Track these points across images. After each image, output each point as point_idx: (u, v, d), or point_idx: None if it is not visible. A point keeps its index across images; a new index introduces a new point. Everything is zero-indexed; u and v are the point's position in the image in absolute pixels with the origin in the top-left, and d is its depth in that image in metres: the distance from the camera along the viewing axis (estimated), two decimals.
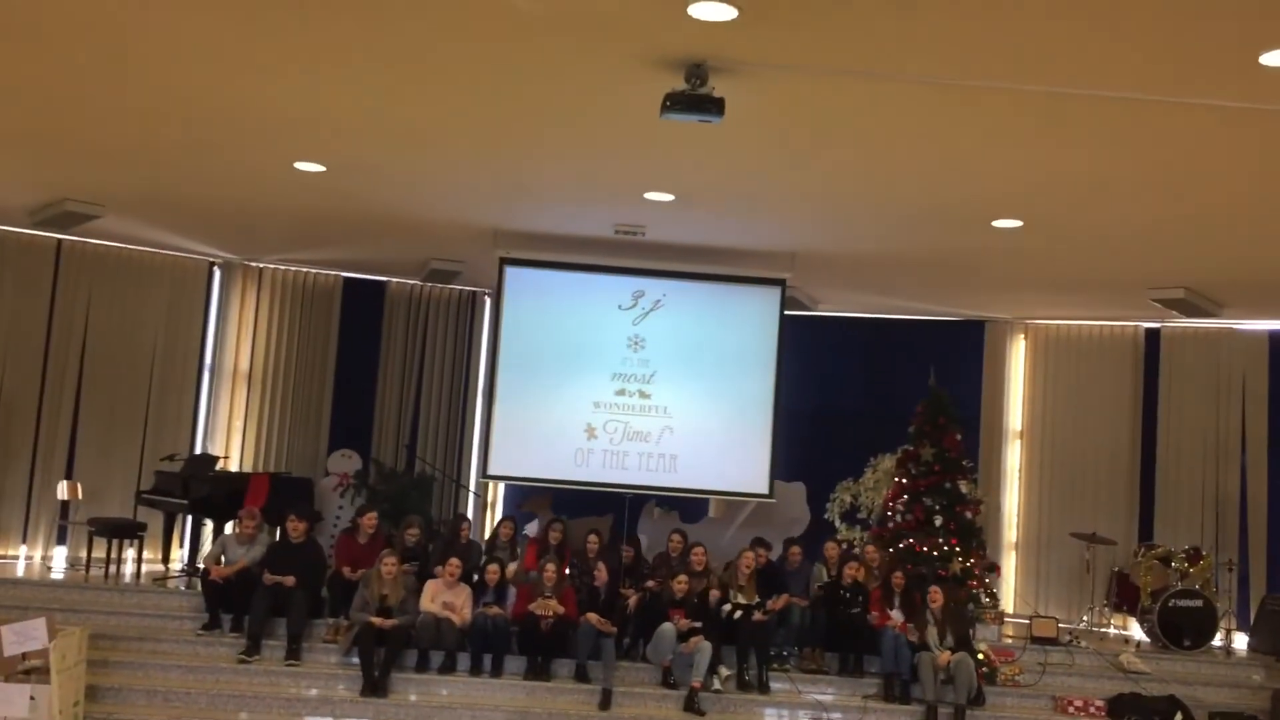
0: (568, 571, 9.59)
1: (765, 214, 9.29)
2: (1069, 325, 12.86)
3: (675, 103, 5.87)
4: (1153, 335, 12.46)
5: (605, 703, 8.68)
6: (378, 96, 6.94)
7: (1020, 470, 13.07)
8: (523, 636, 9.03)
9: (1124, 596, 11.26)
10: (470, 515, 12.17)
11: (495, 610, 9.02)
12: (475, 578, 9.46)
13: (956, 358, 13.00)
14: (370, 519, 9.87)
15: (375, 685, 8.55)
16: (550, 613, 8.92)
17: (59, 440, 11.75)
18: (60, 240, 11.67)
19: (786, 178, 8.17)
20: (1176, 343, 12.28)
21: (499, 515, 12.27)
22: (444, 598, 9.07)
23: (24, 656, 7.48)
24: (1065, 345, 12.91)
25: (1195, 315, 11.30)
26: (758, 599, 9.42)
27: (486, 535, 11.32)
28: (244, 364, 12.76)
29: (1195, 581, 10.63)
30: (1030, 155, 7.19)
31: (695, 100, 5.85)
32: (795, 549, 10.20)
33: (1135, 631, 11.19)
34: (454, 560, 9.21)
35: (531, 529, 11.18)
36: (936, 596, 9.26)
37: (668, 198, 8.82)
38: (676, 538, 10.11)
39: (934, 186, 8.06)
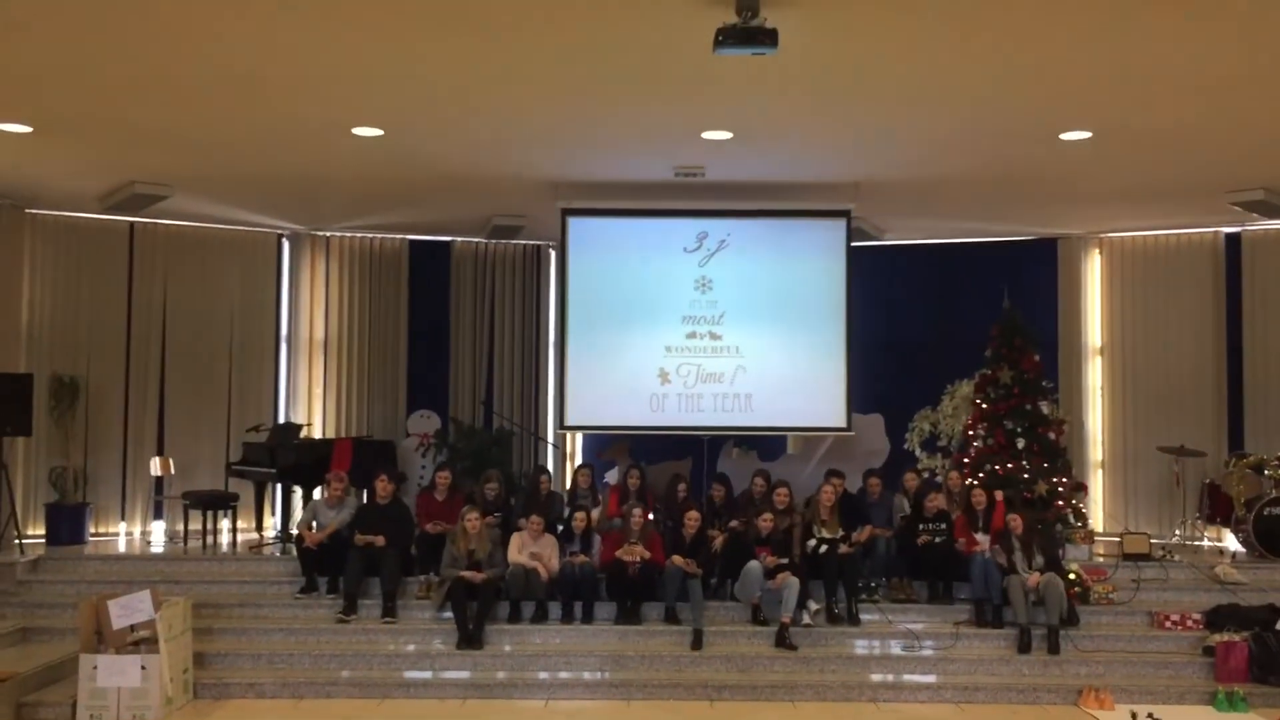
0: (650, 516, 9.65)
1: (825, 145, 9.15)
2: (1145, 236, 12.57)
3: (728, 37, 5.78)
4: (1233, 240, 12.14)
5: (697, 643, 8.76)
6: (430, 56, 6.93)
7: (1102, 388, 12.85)
8: (611, 583, 9.13)
9: (1216, 508, 11.07)
10: (550, 467, 12.30)
11: (582, 558, 9.13)
12: (560, 528, 9.57)
13: (1030, 278, 12.76)
14: (444, 476, 10.00)
15: (470, 638, 8.71)
16: (637, 558, 9.00)
17: (148, 419, 12.06)
18: (132, 224, 11.91)
19: (844, 105, 8.03)
20: (1259, 246, 11.95)
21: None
22: (531, 549, 9.19)
23: (132, 628, 7.73)
24: (1142, 257, 12.62)
25: (1276, 216, 10.99)
26: (841, 532, 9.41)
27: (567, 486, 11.43)
28: (319, 333, 12.96)
29: None
30: (1097, 58, 6.95)
31: (748, 33, 5.76)
32: (875, 480, 10.15)
33: (1230, 543, 11.04)
34: (535, 518, 9.30)
35: (611, 477, 11.27)
36: (1016, 522, 9.17)
37: (725, 135, 8.73)
38: (759, 480, 10.10)
39: (996, 102, 7.86)
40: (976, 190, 10.61)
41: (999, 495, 9.77)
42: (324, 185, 10.59)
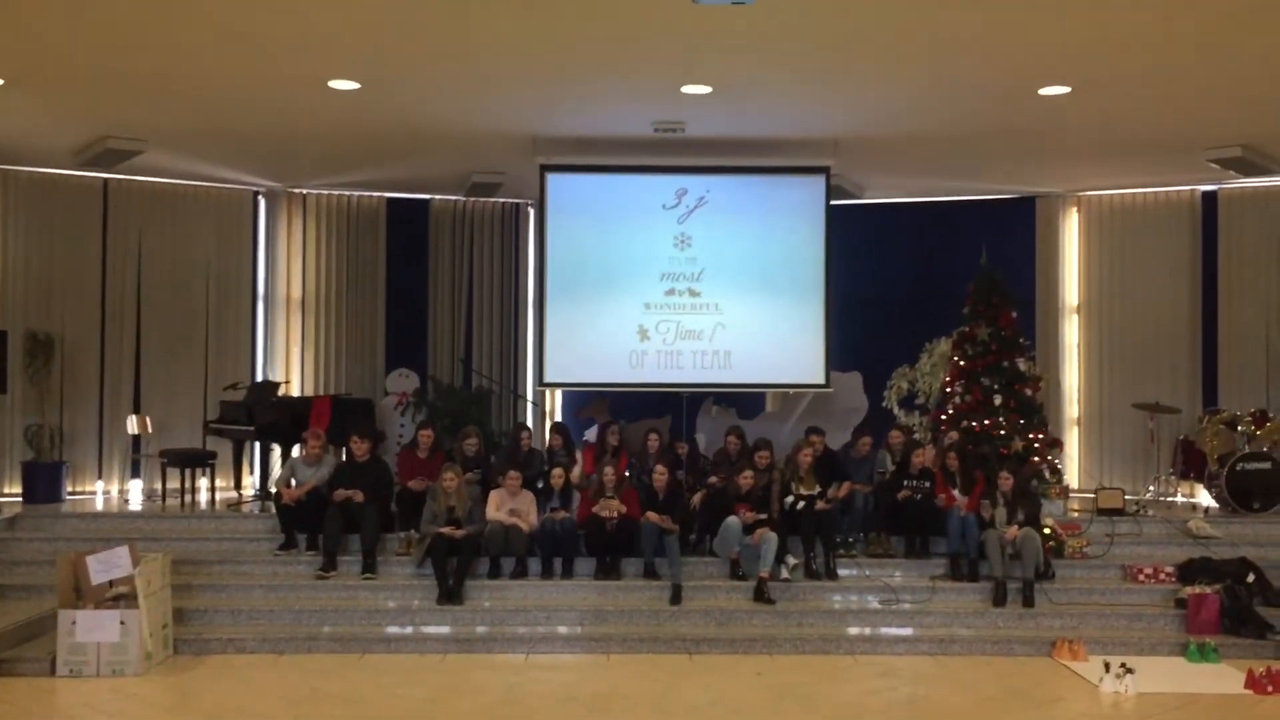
0: (626, 473, 9.68)
1: (804, 100, 9.13)
2: (1122, 195, 12.61)
3: None
4: (1209, 198, 12.19)
5: (676, 597, 8.81)
6: (407, 7, 6.86)
7: (1079, 345, 12.94)
8: (589, 538, 9.17)
9: (1190, 464, 11.20)
10: (530, 424, 12.30)
11: (561, 514, 9.16)
12: (540, 484, 9.59)
13: (1008, 236, 12.81)
14: (426, 434, 9.99)
15: (450, 594, 8.74)
16: (613, 513, 9.04)
17: (124, 377, 12.00)
18: (106, 180, 11.79)
19: (823, 59, 8.00)
20: (1235, 203, 12.02)
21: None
22: (510, 505, 9.21)
23: (111, 584, 7.72)
24: (1120, 215, 12.67)
25: (1253, 174, 11.05)
26: (819, 489, 9.47)
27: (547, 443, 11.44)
28: (296, 291, 12.89)
29: (1263, 443, 10.56)
30: (1076, 13, 6.95)
31: None
32: (865, 440, 10.12)
33: (1203, 498, 11.15)
34: (513, 473, 9.32)
35: (591, 435, 11.28)
36: (1007, 480, 9.24)
37: (705, 90, 8.69)
38: (732, 438, 10.15)
39: (975, 57, 7.85)
40: (955, 147, 10.61)
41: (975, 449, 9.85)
42: (300, 140, 10.49)
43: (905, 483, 9.53)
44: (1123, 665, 7.42)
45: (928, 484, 9.53)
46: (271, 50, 7.74)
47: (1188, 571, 9.01)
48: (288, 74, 8.30)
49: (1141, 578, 9.13)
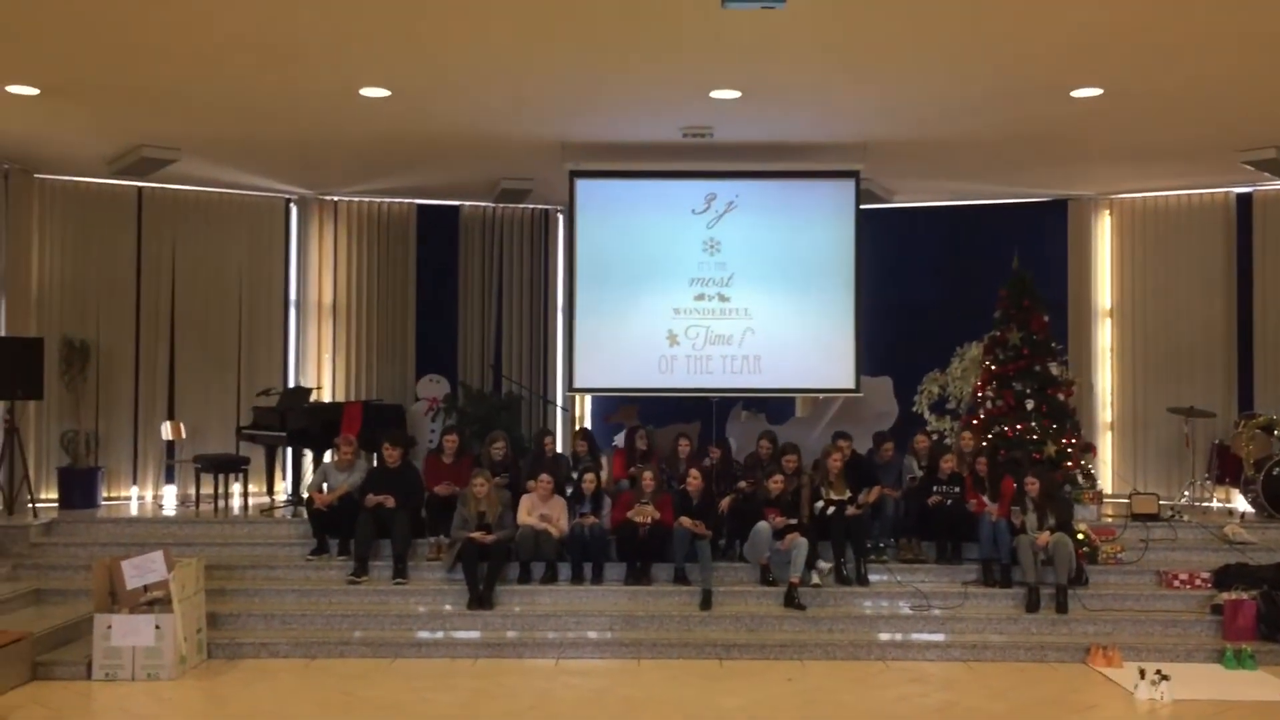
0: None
1: (833, 104, 9.10)
2: (1156, 197, 12.50)
3: None
4: (1244, 200, 12.07)
5: (706, 603, 8.80)
6: (437, 15, 6.90)
7: (1112, 349, 12.83)
8: (620, 543, 9.17)
9: (1225, 469, 11.08)
10: (559, 429, 12.31)
11: (591, 519, 9.16)
12: (569, 490, 9.60)
13: (1040, 240, 12.75)
14: (451, 439, 10.02)
15: (481, 598, 8.77)
16: (648, 519, 9.03)
17: (158, 383, 12.11)
18: (140, 188, 11.91)
19: (853, 64, 7.97)
20: (1270, 205, 11.90)
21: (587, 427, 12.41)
22: (540, 510, 9.23)
23: (146, 589, 7.78)
24: (1153, 218, 12.56)
25: None
26: (849, 494, 9.43)
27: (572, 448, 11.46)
28: (327, 297, 12.97)
29: None
30: (1109, 13, 6.89)
31: None
32: (888, 445, 10.13)
33: (1239, 503, 11.03)
34: (544, 476, 9.34)
35: (620, 440, 11.29)
36: (1033, 484, 9.18)
37: (734, 95, 8.68)
38: (765, 442, 10.15)
39: (1007, 59, 7.80)
40: (986, 150, 10.55)
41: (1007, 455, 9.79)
42: (332, 148, 10.57)
43: (935, 488, 9.49)
44: (1158, 672, 7.34)
45: (957, 489, 9.47)
46: (303, 59, 7.80)
47: (1224, 577, 8.91)
48: (319, 83, 8.36)
49: (1177, 583, 9.04)
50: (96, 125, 9.69)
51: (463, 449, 10.07)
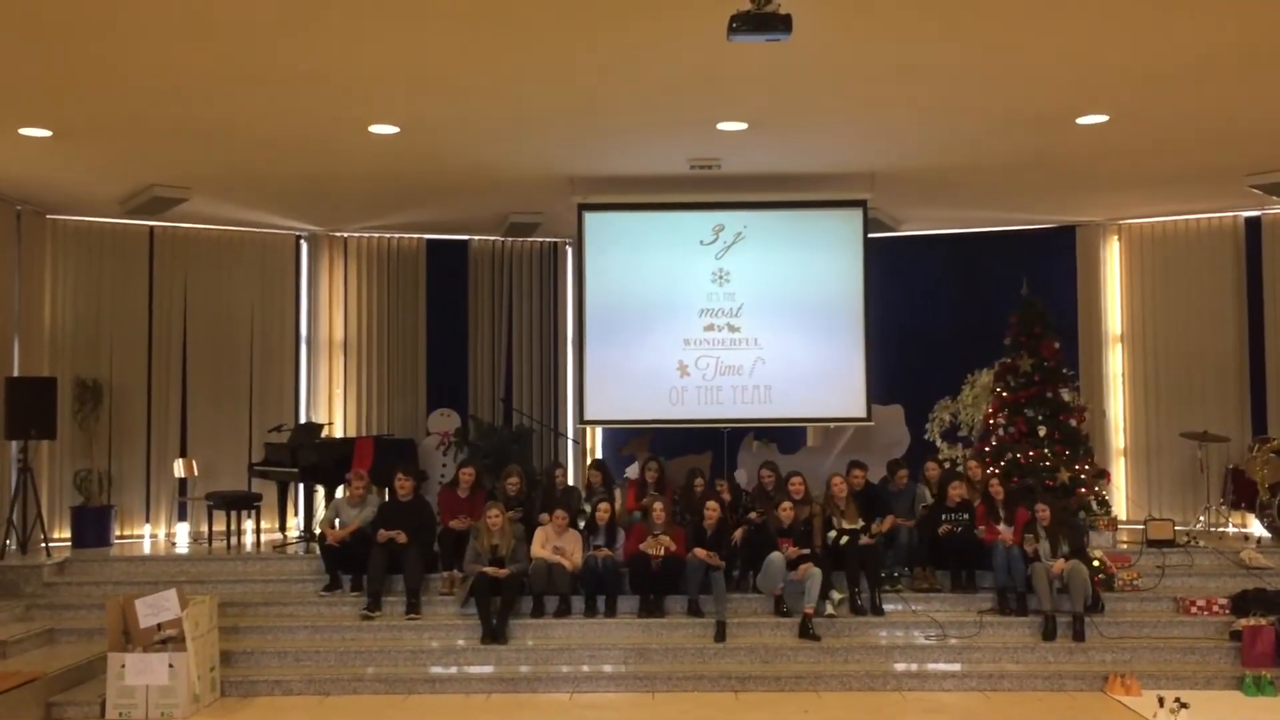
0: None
1: (840, 134, 9.14)
2: (1164, 222, 12.50)
3: (742, 23, 5.74)
4: (1253, 224, 12.07)
5: (720, 635, 8.76)
6: (445, 52, 6.95)
7: (1124, 374, 12.79)
8: (634, 576, 9.14)
9: (1240, 493, 11.02)
10: (570, 461, 12.29)
11: (605, 552, 9.14)
12: (582, 522, 9.59)
13: (1048, 266, 12.72)
14: (468, 473, 10.01)
15: (494, 633, 8.74)
16: (661, 550, 9.00)
17: (171, 421, 12.14)
18: (152, 227, 11.98)
19: (859, 94, 8.01)
20: (1279, 229, 11.86)
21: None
22: (554, 543, 9.21)
23: (159, 627, 7.79)
24: (1161, 243, 12.55)
25: None
26: (861, 522, 9.40)
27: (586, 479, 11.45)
28: (338, 333, 13.01)
29: None
30: (1113, 41, 6.93)
31: (762, 19, 5.72)
32: (902, 473, 10.12)
33: (1255, 528, 10.96)
34: (560, 512, 9.33)
35: (632, 471, 11.27)
36: (1044, 511, 9.14)
37: (740, 126, 8.72)
38: (765, 472, 10.16)
39: (1013, 87, 7.83)
40: (994, 178, 10.57)
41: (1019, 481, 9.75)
42: (341, 185, 10.63)
43: (944, 516, 9.45)
44: (1177, 700, 7.27)
45: (966, 516, 9.43)
46: (313, 97, 7.86)
47: (1241, 603, 8.85)
48: (329, 120, 8.42)
49: (1194, 610, 8.98)
50: (108, 166, 9.77)
51: (477, 483, 10.07)
